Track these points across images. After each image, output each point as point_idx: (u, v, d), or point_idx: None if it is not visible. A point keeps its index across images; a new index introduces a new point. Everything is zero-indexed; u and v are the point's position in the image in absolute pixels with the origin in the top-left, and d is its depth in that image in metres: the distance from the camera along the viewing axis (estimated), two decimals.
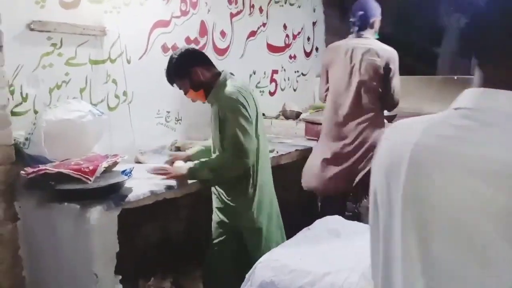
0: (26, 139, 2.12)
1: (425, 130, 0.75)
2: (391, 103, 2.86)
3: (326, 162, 2.86)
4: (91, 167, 2.00)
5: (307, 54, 4.47)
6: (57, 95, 2.44)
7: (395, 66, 2.76)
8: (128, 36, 2.78)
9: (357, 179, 2.79)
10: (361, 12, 2.80)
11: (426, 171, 0.72)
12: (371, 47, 2.77)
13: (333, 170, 2.83)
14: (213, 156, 2.33)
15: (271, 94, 4.07)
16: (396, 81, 2.79)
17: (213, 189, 2.42)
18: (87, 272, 1.92)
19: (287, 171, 3.04)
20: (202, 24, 3.30)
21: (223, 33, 3.48)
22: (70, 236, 1.95)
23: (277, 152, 3.01)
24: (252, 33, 3.77)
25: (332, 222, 2.25)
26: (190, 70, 2.26)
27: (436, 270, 0.70)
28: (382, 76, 2.75)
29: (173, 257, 2.88)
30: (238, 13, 3.60)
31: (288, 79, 4.25)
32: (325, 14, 4.61)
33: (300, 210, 3.23)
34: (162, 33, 3.01)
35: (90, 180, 1.95)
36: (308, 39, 4.46)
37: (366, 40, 2.81)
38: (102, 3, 2.62)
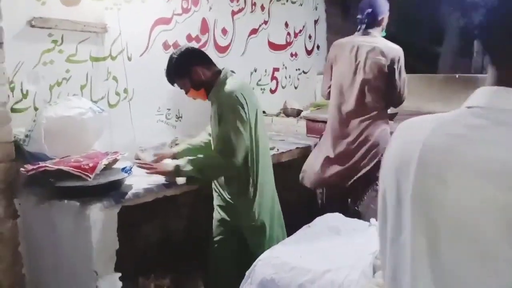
0: (26, 136, 2.12)
1: (435, 129, 0.73)
2: (398, 101, 2.84)
3: (329, 160, 2.85)
4: (91, 164, 2.00)
5: (309, 52, 4.46)
6: (57, 92, 2.44)
7: (400, 64, 2.74)
8: (129, 33, 2.78)
9: (357, 176, 2.78)
10: (369, 10, 2.77)
11: (435, 171, 0.71)
12: (377, 45, 2.74)
13: (335, 168, 2.83)
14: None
15: (272, 92, 4.06)
16: (403, 78, 2.77)
17: (214, 187, 2.41)
18: (86, 270, 1.92)
19: (288, 169, 3.04)
20: (204, 21, 3.29)
21: (224, 31, 3.47)
22: (70, 234, 1.95)
23: (278, 150, 3.01)
24: (254, 31, 3.76)
25: (332, 219, 2.25)
26: (191, 69, 2.25)
27: (445, 271, 0.69)
28: (387, 74, 2.72)
29: (173, 255, 2.88)
30: (240, 10, 3.59)
31: (289, 77, 4.24)
32: (327, 12, 4.59)
33: (300, 208, 3.22)
34: (163, 30, 3.00)
35: (90, 178, 1.95)
36: (310, 37, 4.45)
37: (372, 38, 2.78)
38: (103, 0, 2.61)
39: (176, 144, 2.91)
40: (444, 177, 0.69)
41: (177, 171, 2.16)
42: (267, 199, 2.36)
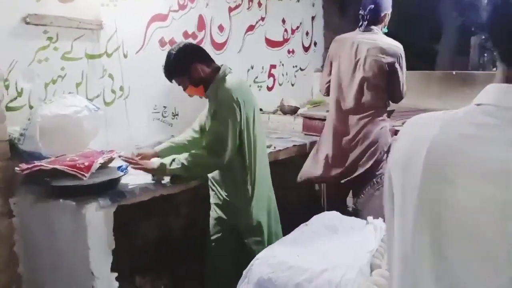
0: (21, 134, 2.10)
1: (443, 126, 0.72)
2: (399, 98, 2.83)
3: (328, 157, 2.85)
4: (86, 163, 1.99)
5: (306, 49, 4.44)
6: (52, 90, 2.42)
7: (401, 61, 2.73)
8: (125, 30, 2.75)
9: (356, 174, 2.78)
10: (371, 6, 2.74)
11: (443, 170, 0.70)
12: (377, 42, 2.72)
13: (335, 165, 2.83)
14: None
15: (269, 89, 4.04)
16: (403, 75, 2.76)
17: (210, 185, 2.40)
18: (83, 269, 1.92)
19: (285, 167, 3.03)
20: (200, 18, 3.27)
21: (221, 28, 3.45)
22: (66, 233, 1.94)
23: (275, 147, 3.00)
24: (251, 28, 3.74)
25: (330, 218, 2.24)
26: (190, 66, 2.23)
27: (446, 270, 0.69)
28: (387, 72, 2.71)
29: (170, 254, 2.87)
30: (237, 7, 3.57)
31: (286, 74, 4.23)
32: (324, 8, 4.58)
33: (297, 205, 3.22)
34: (159, 27, 2.98)
35: (85, 177, 1.94)
36: (307, 33, 4.43)
37: (373, 35, 2.76)
38: None
39: None
40: (452, 177, 0.69)
41: (163, 169, 2.15)
42: (264, 197, 2.35)
